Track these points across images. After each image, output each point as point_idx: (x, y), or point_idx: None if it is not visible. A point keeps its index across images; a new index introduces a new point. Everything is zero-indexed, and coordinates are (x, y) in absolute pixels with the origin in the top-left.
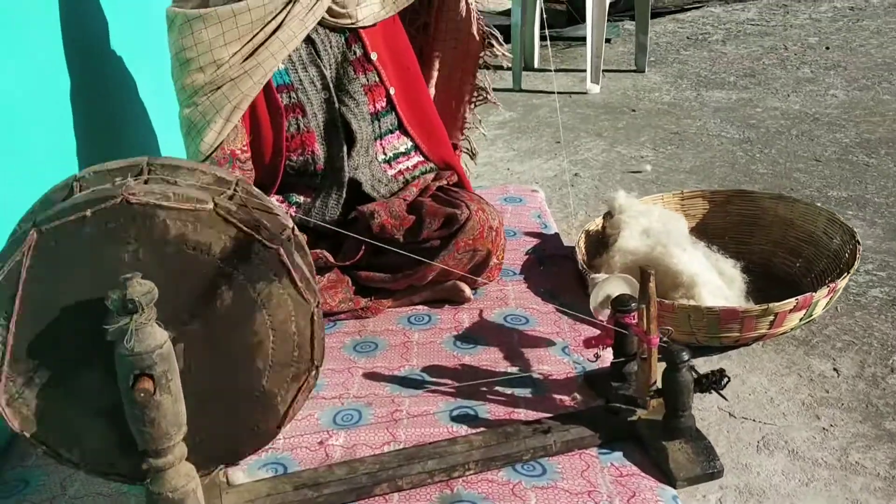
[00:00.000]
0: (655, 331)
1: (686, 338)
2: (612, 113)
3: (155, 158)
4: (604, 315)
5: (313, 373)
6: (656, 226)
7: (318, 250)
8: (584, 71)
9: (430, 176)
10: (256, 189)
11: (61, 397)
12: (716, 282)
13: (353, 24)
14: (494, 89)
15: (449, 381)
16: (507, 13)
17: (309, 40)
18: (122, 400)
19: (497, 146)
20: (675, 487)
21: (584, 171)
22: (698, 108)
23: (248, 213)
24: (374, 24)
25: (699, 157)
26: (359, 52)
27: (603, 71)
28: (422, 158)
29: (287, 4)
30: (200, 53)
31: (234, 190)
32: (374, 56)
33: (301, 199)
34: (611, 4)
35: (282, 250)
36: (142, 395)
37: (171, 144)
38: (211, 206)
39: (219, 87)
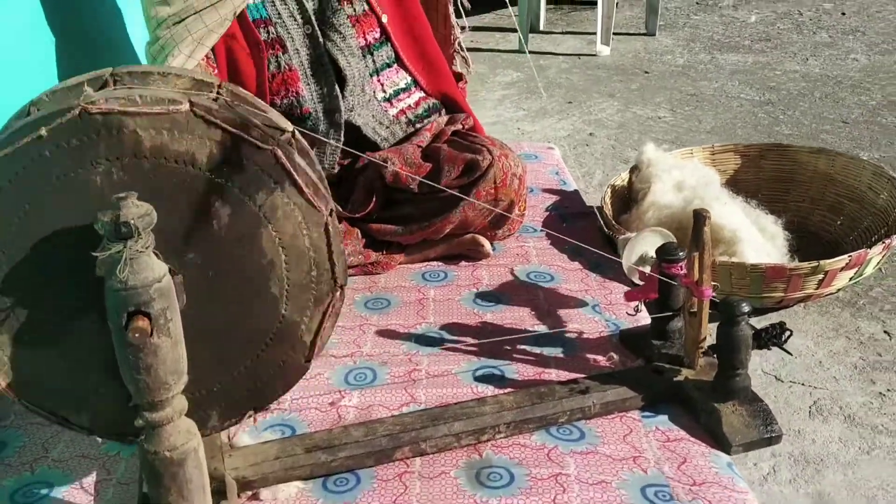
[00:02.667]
0: (708, 281)
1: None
2: (624, 74)
3: (121, 67)
4: (639, 275)
5: (337, 293)
6: (690, 179)
7: None
8: (592, 34)
9: (443, 119)
10: (245, 91)
11: (55, 354)
12: (758, 238)
13: None
14: (500, 51)
15: (470, 339)
16: None
17: None
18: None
19: (505, 106)
20: (729, 454)
21: (599, 131)
22: (714, 70)
23: (234, 111)
24: None
25: (719, 118)
26: None
27: (612, 34)
28: (423, 94)
29: None
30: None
31: (217, 92)
32: None
33: None
34: None
35: (279, 151)
36: (136, 335)
37: None
38: (187, 106)
39: (182, 20)
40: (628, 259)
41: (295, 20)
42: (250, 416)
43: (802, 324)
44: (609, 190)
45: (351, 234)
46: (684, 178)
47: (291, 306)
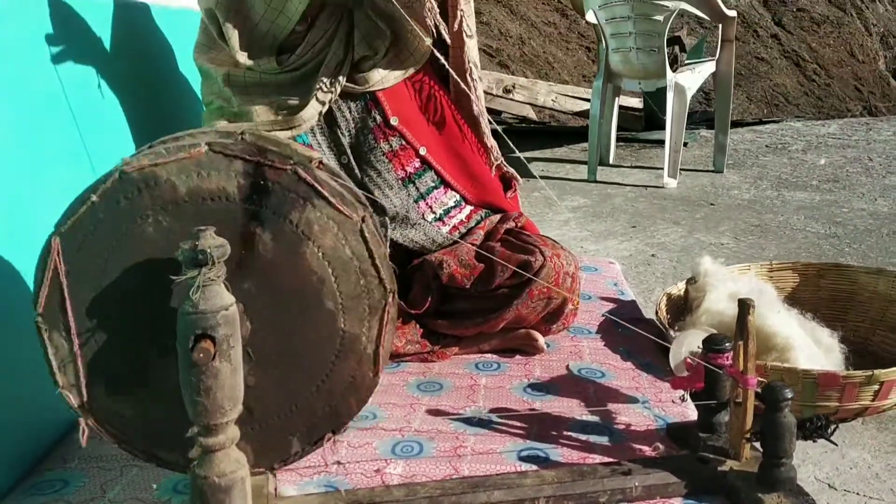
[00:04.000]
0: (753, 371)
1: None
2: (689, 205)
3: (158, 140)
4: (686, 365)
5: (390, 298)
6: (748, 293)
7: None
8: (659, 168)
9: (496, 217)
10: (270, 134)
11: (140, 396)
12: (812, 348)
13: (367, 88)
14: (570, 179)
15: (517, 423)
16: (583, 114)
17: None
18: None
19: (570, 226)
20: None
21: (661, 253)
22: (780, 205)
23: (249, 143)
24: (389, 87)
25: (783, 247)
26: (379, 119)
27: (680, 169)
28: (473, 208)
29: (310, 79)
30: (228, 110)
31: (240, 136)
32: (394, 121)
33: None
34: (688, 114)
35: (299, 168)
36: (201, 355)
37: None
38: (205, 147)
39: None
40: (677, 353)
41: (332, 150)
42: (330, 439)
43: (860, 438)
44: (664, 298)
45: (408, 324)
46: (739, 289)
47: (349, 319)
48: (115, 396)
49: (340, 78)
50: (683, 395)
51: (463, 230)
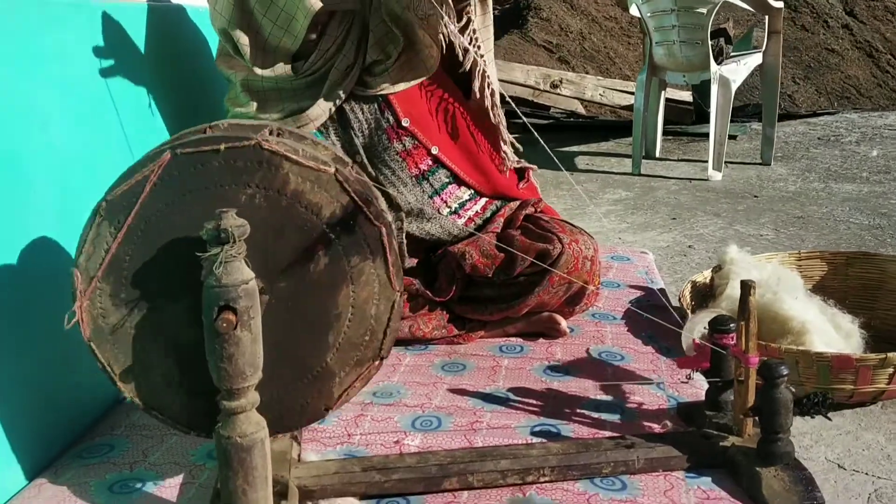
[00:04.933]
0: (755, 350)
1: (795, 389)
2: (732, 197)
3: (283, 125)
4: (694, 346)
5: (376, 363)
6: (769, 279)
7: (412, 279)
8: (706, 161)
9: (515, 204)
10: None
11: (139, 325)
12: (830, 333)
13: (378, 91)
14: (613, 173)
15: (533, 401)
16: (630, 108)
17: (340, 109)
18: (194, 341)
19: (610, 219)
20: None
21: (699, 245)
22: (825, 197)
23: (364, 189)
24: (399, 91)
25: (823, 238)
26: (391, 120)
27: (726, 162)
28: (487, 199)
29: (322, 82)
30: (236, 110)
31: (351, 168)
32: (405, 122)
33: None
34: (739, 107)
35: (384, 230)
36: (224, 325)
37: None
38: (333, 170)
39: None
40: (688, 335)
41: (345, 150)
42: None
43: (877, 421)
44: (689, 286)
45: (435, 311)
46: (762, 276)
47: (336, 358)
48: (116, 306)
49: (350, 80)
50: (689, 375)
51: (479, 221)
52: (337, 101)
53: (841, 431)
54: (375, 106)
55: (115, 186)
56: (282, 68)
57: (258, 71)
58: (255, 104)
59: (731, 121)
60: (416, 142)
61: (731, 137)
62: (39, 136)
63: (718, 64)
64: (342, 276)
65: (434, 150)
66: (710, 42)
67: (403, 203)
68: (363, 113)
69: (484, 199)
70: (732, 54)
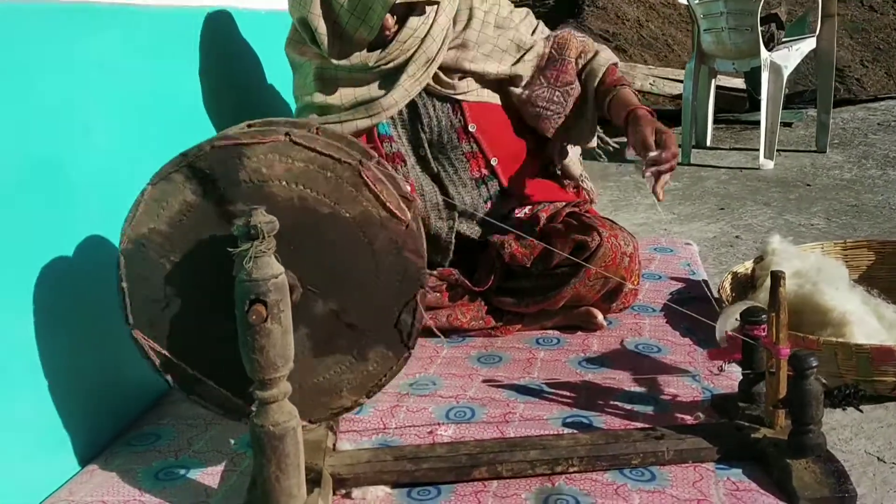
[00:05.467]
0: (785, 341)
1: (833, 382)
2: (784, 186)
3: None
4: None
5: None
6: (808, 270)
7: (452, 269)
8: (758, 150)
9: (560, 203)
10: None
11: (181, 315)
12: (872, 324)
13: (454, 94)
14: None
15: (567, 393)
16: (680, 97)
17: (412, 103)
18: (232, 332)
19: (656, 210)
20: None
21: (746, 235)
22: (882, 185)
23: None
24: (475, 101)
25: (877, 228)
26: (461, 122)
27: (780, 150)
28: (533, 205)
29: (398, 73)
30: (306, 97)
31: (315, 131)
32: (472, 128)
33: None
34: (797, 93)
35: (361, 169)
36: (254, 317)
37: None
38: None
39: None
40: (722, 326)
41: (411, 143)
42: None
43: None
44: (729, 276)
45: (474, 302)
46: (804, 267)
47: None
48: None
49: (427, 76)
50: (721, 367)
51: (524, 218)
52: (411, 94)
53: (883, 424)
54: (448, 106)
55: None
56: (357, 57)
57: (334, 60)
58: (322, 94)
59: (788, 107)
60: (478, 148)
61: (787, 125)
62: (82, 140)
63: (769, 50)
64: (352, 230)
65: (493, 162)
66: (760, 28)
67: (459, 202)
68: (435, 110)
69: (529, 206)
70: (784, 40)
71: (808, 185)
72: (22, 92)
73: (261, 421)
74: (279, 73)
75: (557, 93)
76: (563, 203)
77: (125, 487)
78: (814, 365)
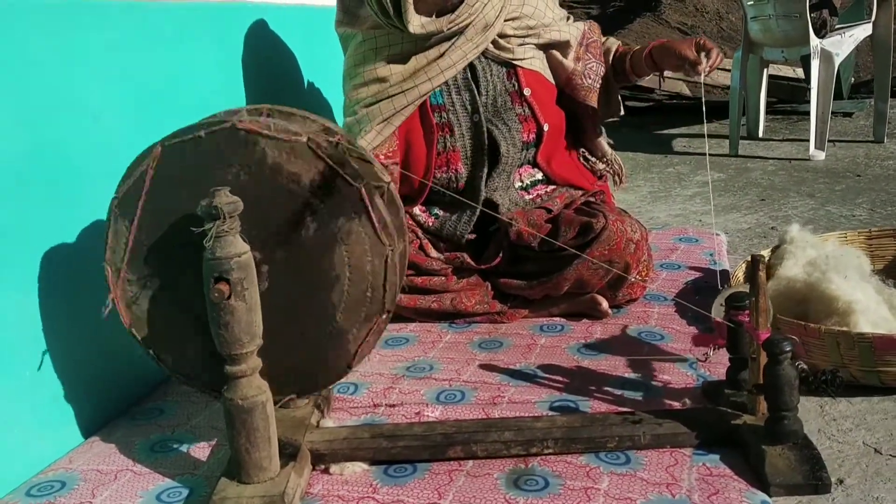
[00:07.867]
0: (765, 325)
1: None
2: (831, 177)
3: (276, 106)
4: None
5: (384, 316)
6: (818, 258)
7: (458, 252)
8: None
9: (577, 192)
10: (359, 144)
11: (167, 305)
12: (881, 312)
13: (512, 58)
14: (711, 154)
15: (560, 378)
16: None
17: (471, 66)
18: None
19: (695, 201)
20: (768, 493)
21: (783, 226)
22: None
23: (339, 153)
24: (529, 68)
25: None
26: (516, 86)
27: (835, 140)
28: (555, 185)
29: (454, 36)
30: (367, 70)
31: (337, 139)
32: (527, 92)
33: (441, 212)
34: (862, 83)
35: (363, 191)
36: (216, 295)
37: None
38: (304, 139)
39: (377, 102)
40: (717, 312)
41: (466, 109)
42: (290, 399)
43: None
44: (744, 265)
45: (481, 286)
46: (818, 255)
47: (345, 316)
48: (145, 291)
49: (486, 40)
50: (706, 354)
51: (541, 201)
52: (469, 57)
53: (888, 416)
54: (504, 70)
55: (121, 184)
56: (433, 24)
57: (411, 28)
58: (383, 64)
59: (853, 97)
60: (532, 113)
61: (847, 115)
62: (92, 127)
63: (821, 37)
64: (332, 237)
65: (545, 127)
66: (811, 14)
67: (505, 158)
68: (492, 74)
69: (552, 185)
70: (837, 26)
71: (858, 175)
72: (36, 83)
73: (230, 394)
74: (291, 67)
75: (602, 67)
76: (581, 192)
77: (120, 457)
78: (787, 350)
